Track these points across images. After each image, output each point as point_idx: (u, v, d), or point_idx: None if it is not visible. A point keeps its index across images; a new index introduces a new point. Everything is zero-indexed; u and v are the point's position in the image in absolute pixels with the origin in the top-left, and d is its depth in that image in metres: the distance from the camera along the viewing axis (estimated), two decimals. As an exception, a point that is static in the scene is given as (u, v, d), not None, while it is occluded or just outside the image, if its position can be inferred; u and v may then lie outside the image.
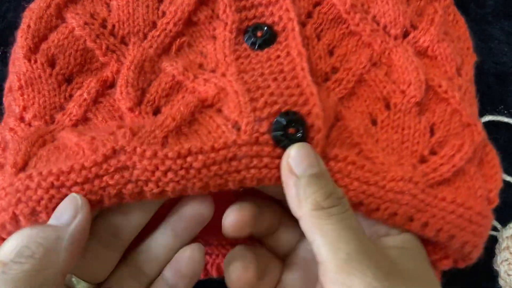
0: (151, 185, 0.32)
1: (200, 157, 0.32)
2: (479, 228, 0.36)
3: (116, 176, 0.32)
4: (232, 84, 0.36)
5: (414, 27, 0.42)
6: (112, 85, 0.39)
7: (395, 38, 0.41)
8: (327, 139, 0.35)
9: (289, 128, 0.33)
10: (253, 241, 0.39)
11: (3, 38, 0.44)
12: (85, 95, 0.38)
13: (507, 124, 0.50)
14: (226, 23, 0.40)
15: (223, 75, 0.38)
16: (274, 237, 0.38)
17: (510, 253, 0.46)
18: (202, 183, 0.33)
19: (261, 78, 0.36)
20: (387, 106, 0.39)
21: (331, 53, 0.41)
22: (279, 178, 0.33)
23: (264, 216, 0.36)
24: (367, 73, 0.40)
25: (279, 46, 0.39)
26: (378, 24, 0.42)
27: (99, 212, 0.33)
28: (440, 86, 0.39)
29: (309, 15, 0.42)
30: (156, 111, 0.38)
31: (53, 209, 0.31)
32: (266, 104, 0.34)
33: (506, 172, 0.48)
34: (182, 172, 0.32)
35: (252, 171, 0.33)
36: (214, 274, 0.44)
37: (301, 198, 0.31)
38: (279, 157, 0.33)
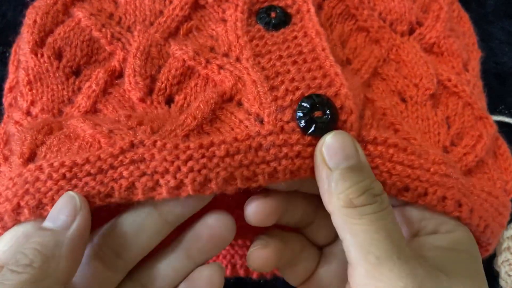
0: (168, 176, 0.30)
1: (223, 146, 0.30)
2: (503, 219, 0.35)
3: (131, 168, 0.30)
4: (249, 71, 0.34)
5: (420, 24, 0.42)
6: (120, 75, 0.39)
7: (402, 35, 0.41)
8: (362, 120, 0.33)
9: (315, 111, 0.31)
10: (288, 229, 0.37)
11: (3, 38, 0.43)
12: (93, 86, 0.37)
13: (508, 124, 0.50)
14: (237, 5, 0.38)
15: (238, 59, 0.36)
16: (311, 228, 0.36)
17: (511, 253, 0.46)
18: (226, 172, 0.30)
19: (280, 62, 0.34)
20: (403, 100, 0.39)
21: (343, 45, 0.41)
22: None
23: (296, 208, 0.34)
24: (380, 67, 0.40)
25: (295, 27, 0.37)
26: (384, 21, 0.42)
27: (106, 228, 0.31)
28: (449, 80, 0.39)
29: (320, 6, 0.41)
30: (169, 100, 0.37)
31: None
32: (288, 91, 0.32)
33: (507, 172, 0.48)
34: (203, 160, 0.30)
35: (284, 161, 0.30)
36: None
37: (332, 192, 0.29)
38: (311, 144, 0.31)
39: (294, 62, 0.34)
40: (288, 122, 0.31)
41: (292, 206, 0.34)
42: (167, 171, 0.30)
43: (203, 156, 0.30)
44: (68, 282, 0.28)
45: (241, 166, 0.30)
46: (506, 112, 0.50)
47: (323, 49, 0.34)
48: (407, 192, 0.32)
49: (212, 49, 0.37)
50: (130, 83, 0.36)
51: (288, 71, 0.34)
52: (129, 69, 0.37)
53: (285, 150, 0.31)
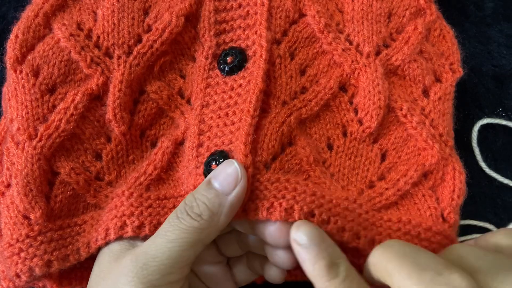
0: (133, 218, 0.36)
1: (171, 199, 0.37)
2: (431, 245, 0.36)
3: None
4: (193, 119, 0.39)
5: (387, 46, 0.43)
6: (96, 97, 0.40)
7: (367, 56, 0.42)
8: (279, 164, 0.38)
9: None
10: None
11: (3, 38, 0.44)
12: (72, 109, 0.39)
13: (505, 126, 0.50)
14: (203, 48, 0.42)
15: (193, 107, 0.40)
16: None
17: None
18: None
19: (216, 114, 0.39)
20: (344, 133, 0.41)
21: (303, 72, 0.42)
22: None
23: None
24: (333, 99, 0.41)
25: (245, 73, 0.40)
26: (351, 43, 0.42)
27: None
28: (400, 110, 0.41)
29: (285, 33, 0.43)
30: (142, 134, 0.41)
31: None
32: (207, 148, 0.38)
33: (504, 174, 0.48)
34: (158, 209, 0.36)
35: None
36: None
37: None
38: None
39: (226, 114, 0.38)
40: (200, 176, 0.37)
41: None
42: (132, 214, 0.36)
43: (158, 206, 0.37)
44: (219, 233, 0.35)
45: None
46: (503, 114, 0.51)
47: (250, 102, 0.38)
48: (313, 218, 0.34)
49: (179, 90, 0.42)
50: (115, 116, 0.39)
51: (217, 125, 0.38)
52: (115, 102, 0.39)
53: None
